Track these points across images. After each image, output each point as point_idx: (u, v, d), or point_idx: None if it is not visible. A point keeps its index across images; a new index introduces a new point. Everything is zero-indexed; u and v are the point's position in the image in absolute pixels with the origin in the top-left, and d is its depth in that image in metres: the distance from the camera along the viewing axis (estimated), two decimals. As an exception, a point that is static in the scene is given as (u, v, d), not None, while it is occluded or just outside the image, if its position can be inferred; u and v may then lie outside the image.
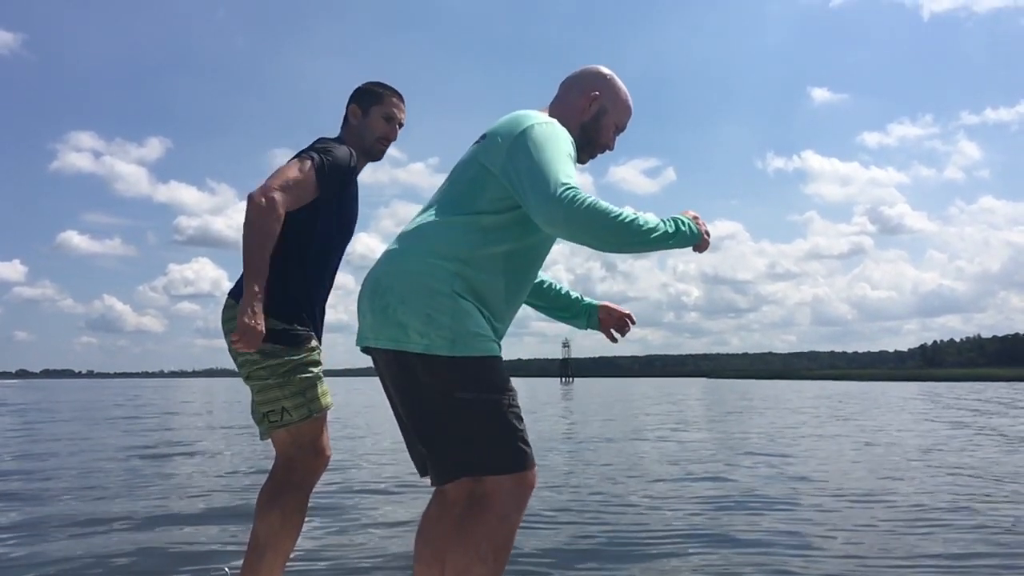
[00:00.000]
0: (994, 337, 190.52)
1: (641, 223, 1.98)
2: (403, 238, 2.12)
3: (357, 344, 2.16)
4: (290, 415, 2.55)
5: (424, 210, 2.18)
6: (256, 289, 2.39)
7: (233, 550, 4.15)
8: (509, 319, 2.19)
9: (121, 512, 5.48)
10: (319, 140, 2.74)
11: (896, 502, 5.78)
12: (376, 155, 2.81)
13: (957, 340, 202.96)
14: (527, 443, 2.03)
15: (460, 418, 1.96)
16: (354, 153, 2.71)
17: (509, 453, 1.99)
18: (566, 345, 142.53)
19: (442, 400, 1.96)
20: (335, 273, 2.81)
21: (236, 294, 2.57)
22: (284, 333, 2.54)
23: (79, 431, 13.70)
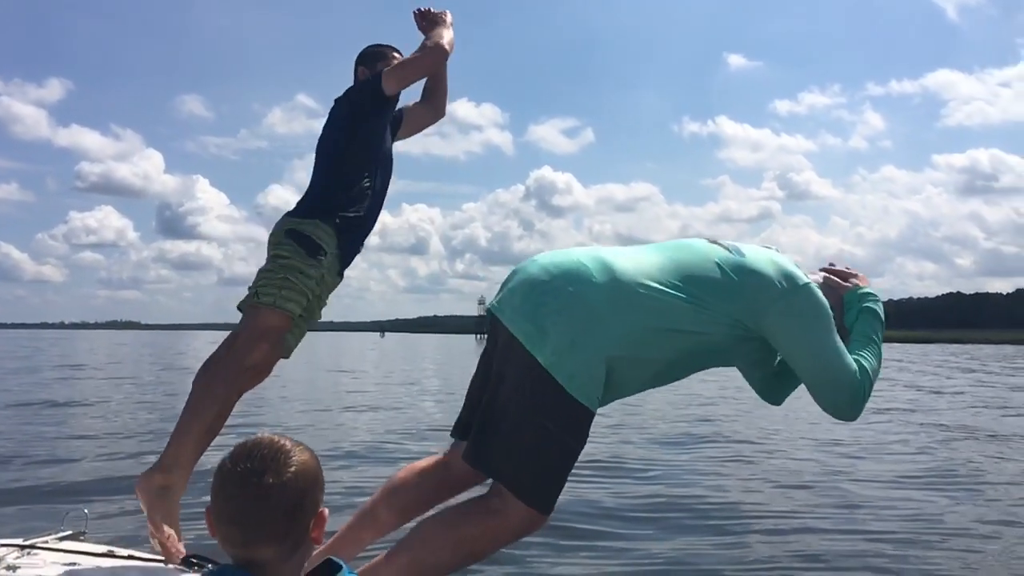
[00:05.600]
0: (890, 300, 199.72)
1: (878, 363, 2.15)
2: (604, 268, 2.04)
3: (490, 307, 2.12)
4: (258, 297, 2.72)
5: (639, 255, 2.13)
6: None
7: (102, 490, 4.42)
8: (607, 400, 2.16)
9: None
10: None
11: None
12: (394, 107, 3.04)
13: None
14: (560, 493, 2.04)
15: (532, 439, 1.97)
16: None
17: (546, 492, 2.00)
18: (482, 303, 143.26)
19: (530, 414, 1.97)
20: (382, 202, 3.02)
21: (299, 212, 2.83)
22: (303, 237, 2.76)
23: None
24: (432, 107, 3.30)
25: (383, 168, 2.99)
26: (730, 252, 2.13)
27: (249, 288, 2.79)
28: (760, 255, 2.14)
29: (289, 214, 2.86)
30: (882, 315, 2.23)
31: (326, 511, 1.28)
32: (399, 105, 3.10)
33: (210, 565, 2.07)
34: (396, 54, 3.05)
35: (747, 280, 2.06)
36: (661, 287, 2.02)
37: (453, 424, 2.27)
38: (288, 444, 1.27)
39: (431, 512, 2.19)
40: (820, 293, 2.11)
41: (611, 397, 2.11)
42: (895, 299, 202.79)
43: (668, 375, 2.19)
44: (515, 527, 2.00)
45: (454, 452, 2.27)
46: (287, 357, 2.84)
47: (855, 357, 2.09)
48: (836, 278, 2.29)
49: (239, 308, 2.81)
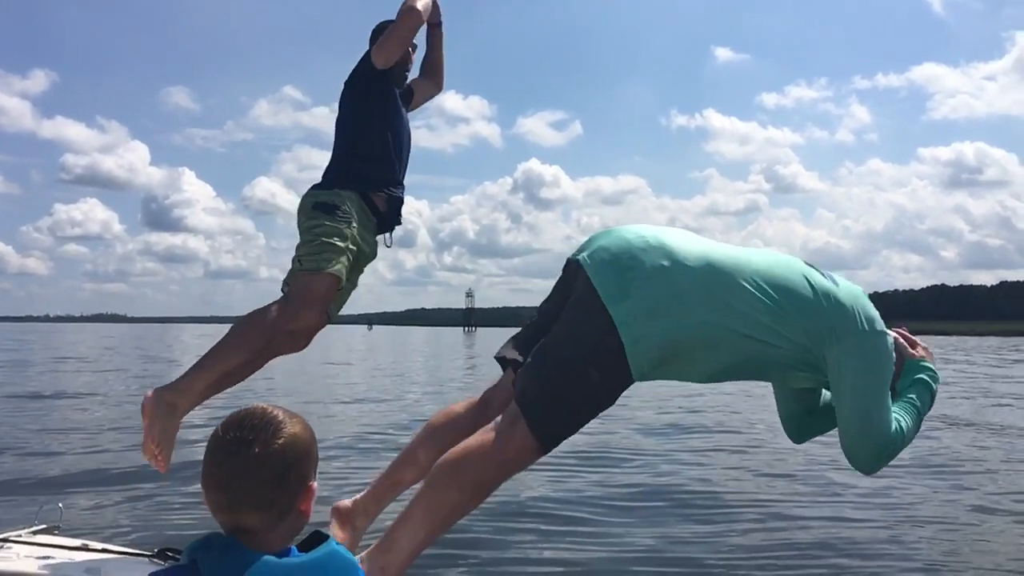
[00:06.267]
0: (875, 293, 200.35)
1: (914, 432, 2.17)
2: (701, 255, 2.09)
3: (574, 255, 2.16)
4: (300, 263, 2.86)
5: (737, 253, 2.17)
6: None
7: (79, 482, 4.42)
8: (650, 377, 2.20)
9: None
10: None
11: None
12: (400, 81, 3.19)
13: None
14: (567, 438, 2.10)
15: (570, 379, 2.03)
16: None
17: (558, 429, 2.06)
18: (470, 295, 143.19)
19: (580, 357, 2.03)
20: (404, 168, 3.16)
21: (321, 185, 2.98)
22: (328, 205, 2.90)
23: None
24: (431, 80, 3.44)
25: (399, 137, 3.11)
26: (824, 277, 2.20)
27: (292, 262, 2.92)
28: (851, 290, 2.21)
29: (312, 187, 3.00)
30: (935, 391, 2.27)
31: (315, 485, 1.29)
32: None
33: None
34: None
35: (833, 306, 2.12)
36: (750, 289, 2.07)
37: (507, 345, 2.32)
38: (280, 415, 1.27)
39: None
40: (892, 346, 2.18)
41: (656, 376, 2.16)
42: (880, 292, 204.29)
43: (723, 375, 2.24)
44: (515, 452, 2.02)
45: (492, 391, 2.34)
46: (331, 322, 3.00)
47: (895, 417, 2.13)
48: (905, 342, 2.34)
49: (285, 282, 2.91)
